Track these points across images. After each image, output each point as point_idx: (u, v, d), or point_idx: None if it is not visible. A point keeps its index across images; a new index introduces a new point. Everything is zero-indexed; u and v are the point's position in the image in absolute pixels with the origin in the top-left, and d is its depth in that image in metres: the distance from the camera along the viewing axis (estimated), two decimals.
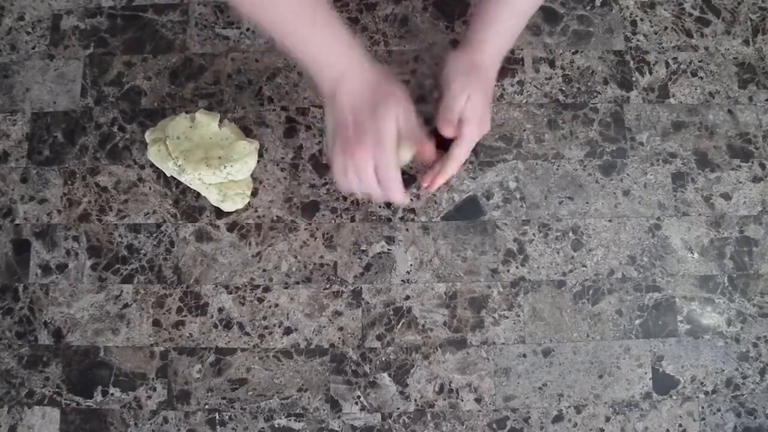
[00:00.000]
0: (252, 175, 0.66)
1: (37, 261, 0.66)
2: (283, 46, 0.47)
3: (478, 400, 0.63)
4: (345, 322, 0.64)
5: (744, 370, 0.65)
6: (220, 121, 0.63)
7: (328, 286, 0.65)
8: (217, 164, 0.60)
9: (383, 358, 0.64)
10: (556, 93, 0.70)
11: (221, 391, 0.63)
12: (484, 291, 0.65)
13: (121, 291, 0.65)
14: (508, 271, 0.66)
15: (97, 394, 0.64)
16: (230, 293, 0.65)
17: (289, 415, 0.63)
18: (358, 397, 0.63)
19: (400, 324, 0.64)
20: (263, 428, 0.63)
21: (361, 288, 0.65)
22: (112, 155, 0.68)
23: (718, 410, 0.64)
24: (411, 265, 0.66)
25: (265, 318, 0.65)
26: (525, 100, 0.69)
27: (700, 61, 0.71)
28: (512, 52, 0.70)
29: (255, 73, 0.70)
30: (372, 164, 0.47)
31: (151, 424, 0.63)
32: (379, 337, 0.64)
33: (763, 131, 0.69)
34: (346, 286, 0.65)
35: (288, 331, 0.64)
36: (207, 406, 0.63)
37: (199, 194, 0.67)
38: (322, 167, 0.68)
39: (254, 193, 0.67)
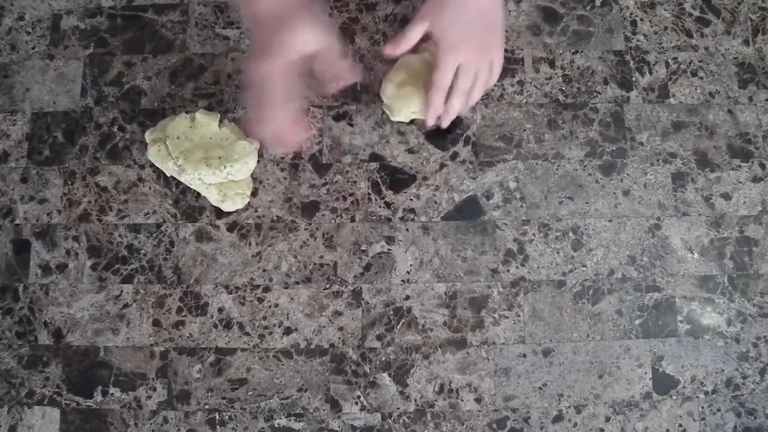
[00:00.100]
0: (252, 175, 0.66)
1: (37, 261, 0.66)
2: None
3: (478, 400, 0.63)
4: (345, 322, 0.64)
5: (744, 370, 0.65)
6: (220, 121, 0.63)
7: (328, 286, 0.65)
8: (217, 164, 0.60)
9: (383, 358, 0.64)
10: (556, 93, 0.70)
11: (221, 391, 0.63)
12: (484, 291, 0.65)
13: (121, 291, 0.65)
14: (508, 271, 0.66)
15: (97, 394, 0.64)
16: (230, 293, 0.65)
17: (289, 415, 0.63)
18: (358, 397, 0.63)
19: (400, 324, 0.65)
20: (263, 428, 0.63)
21: (361, 288, 0.65)
22: (112, 155, 0.68)
23: (718, 410, 0.64)
24: (411, 265, 0.66)
25: (265, 318, 0.65)
26: (525, 100, 0.69)
27: (700, 61, 0.71)
28: (512, 52, 0.70)
29: None
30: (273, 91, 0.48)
31: (151, 424, 0.63)
32: (379, 337, 0.64)
33: (763, 131, 0.69)
34: (346, 286, 0.65)
35: (288, 331, 0.64)
36: (207, 406, 0.63)
37: (199, 194, 0.67)
38: (322, 167, 0.68)
39: (254, 193, 0.67)
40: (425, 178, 0.67)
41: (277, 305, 0.65)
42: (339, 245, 0.66)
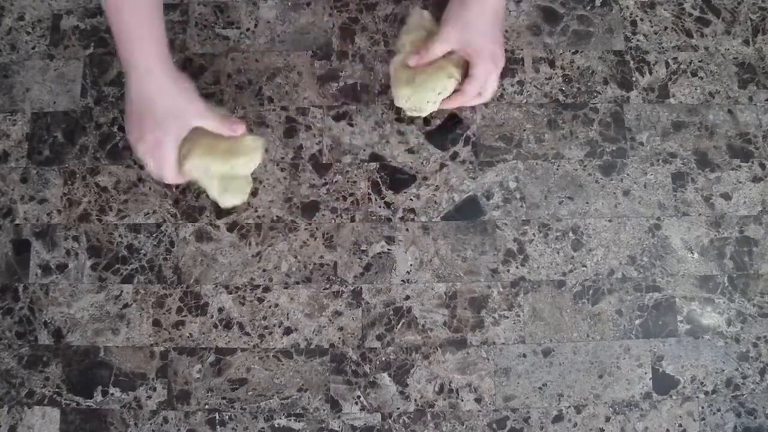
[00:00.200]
0: (252, 174, 0.66)
1: (37, 261, 0.66)
2: (116, 40, 0.55)
3: (478, 400, 0.63)
4: (345, 322, 0.64)
5: (744, 370, 0.65)
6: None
7: (328, 286, 0.65)
8: (222, 155, 0.60)
9: (383, 358, 0.64)
10: (556, 93, 0.70)
11: (221, 391, 0.63)
12: (484, 291, 0.65)
13: (121, 291, 0.65)
14: (508, 271, 0.66)
15: (97, 394, 0.64)
16: (230, 293, 0.65)
17: (289, 415, 0.63)
18: (358, 397, 0.63)
19: (400, 324, 0.65)
20: (263, 428, 0.63)
21: (361, 288, 0.65)
22: (112, 155, 0.68)
23: (718, 410, 0.64)
24: (411, 265, 0.66)
25: (265, 318, 0.65)
26: (525, 100, 0.69)
27: (700, 61, 0.71)
28: (512, 52, 0.70)
29: (255, 73, 0.70)
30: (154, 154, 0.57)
31: (151, 424, 0.63)
32: (379, 337, 0.64)
33: (763, 131, 0.69)
34: (346, 286, 0.65)
35: (288, 331, 0.64)
36: (207, 406, 0.63)
37: (199, 194, 0.67)
38: (322, 167, 0.68)
39: (254, 193, 0.67)
40: (425, 178, 0.67)
41: (277, 305, 0.65)
42: (339, 245, 0.66)
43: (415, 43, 0.63)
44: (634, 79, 0.70)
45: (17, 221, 0.67)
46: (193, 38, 0.71)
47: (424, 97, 0.62)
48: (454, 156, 0.68)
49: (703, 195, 0.68)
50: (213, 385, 0.63)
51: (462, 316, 0.65)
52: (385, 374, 0.64)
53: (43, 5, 0.73)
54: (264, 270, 0.65)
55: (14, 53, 0.71)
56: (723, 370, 0.65)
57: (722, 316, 0.66)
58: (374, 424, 0.63)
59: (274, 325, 0.64)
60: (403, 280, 0.65)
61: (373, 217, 0.66)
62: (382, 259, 0.66)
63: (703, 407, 0.64)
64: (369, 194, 0.67)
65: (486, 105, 0.69)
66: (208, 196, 0.64)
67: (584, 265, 0.66)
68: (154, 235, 0.66)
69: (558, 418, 0.63)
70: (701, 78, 0.71)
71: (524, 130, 0.69)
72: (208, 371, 0.64)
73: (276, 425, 0.63)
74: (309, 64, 0.70)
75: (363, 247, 0.66)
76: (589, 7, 0.72)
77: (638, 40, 0.71)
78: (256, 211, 0.67)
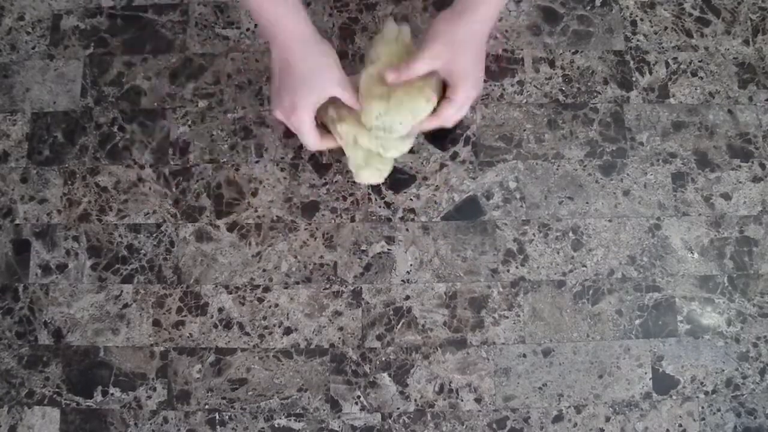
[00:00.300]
0: (252, 174, 0.66)
1: (37, 261, 0.66)
2: (246, 6, 0.53)
3: (478, 400, 0.63)
4: (345, 322, 0.64)
5: (744, 370, 0.65)
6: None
7: (328, 286, 0.65)
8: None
9: (383, 358, 0.64)
10: (556, 93, 0.70)
11: (221, 391, 0.63)
12: (484, 291, 0.65)
13: (121, 291, 0.65)
14: (508, 271, 0.66)
15: (97, 394, 0.64)
16: (230, 293, 0.65)
17: (289, 415, 0.63)
18: (358, 397, 0.63)
19: (400, 324, 0.65)
20: (263, 428, 0.63)
21: (361, 288, 0.65)
22: (112, 155, 0.68)
23: (718, 410, 0.64)
24: (411, 265, 0.66)
25: (265, 318, 0.65)
26: (525, 100, 0.69)
27: (700, 61, 0.71)
28: (512, 52, 0.70)
29: (255, 73, 0.70)
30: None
31: (151, 424, 0.63)
32: (379, 337, 0.64)
33: (763, 131, 0.69)
34: (346, 286, 0.65)
35: (288, 331, 0.64)
36: (207, 406, 0.63)
37: (199, 194, 0.67)
38: (322, 167, 0.68)
39: (254, 193, 0.67)
40: (425, 178, 0.67)
41: (277, 305, 0.65)
42: (339, 245, 0.66)
43: (391, 57, 0.58)
44: (634, 79, 0.70)
45: (17, 221, 0.67)
46: (193, 38, 0.71)
47: (398, 118, 0.56)
48: (454, 156, 0.68)
49: (703, 195, 0.68)
50: (213, 385, 0.63)
51: (462, 316, 0.65)
52: (385, 374, 0.64)
53: (43, 5, 0.73)
54: (264, 270, 0.65)
55: (14, 53, 0.71)
56: (723, 370, 0.65)
57: (722, 316, 0.66)
58: (374, 424, 0.63)
59: (274, 325, 0.64)
60: (403, 280, 0.65)
61: (373, 217, 0.66)
62: (382, 259, 0.66)
63: (703, 407, 0.64)
64: (369, 194, 0.67)
65: (486, 105, 0.69)
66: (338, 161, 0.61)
67: (584, 265, 0.66)
68: (154, 235, 0.66)
69: (558, 418, 0.63)
70: (701, 78, 0.71)
71: (524, 130, 0.69)
72: (208, 371, 0.64)
73: (276, 425, 0.63)
74: None
75: (363, 247, 0.66)
76: (589, 7, 0.72)
77: (638, 40, 0.71)
78: (256, 211, 0.67)
